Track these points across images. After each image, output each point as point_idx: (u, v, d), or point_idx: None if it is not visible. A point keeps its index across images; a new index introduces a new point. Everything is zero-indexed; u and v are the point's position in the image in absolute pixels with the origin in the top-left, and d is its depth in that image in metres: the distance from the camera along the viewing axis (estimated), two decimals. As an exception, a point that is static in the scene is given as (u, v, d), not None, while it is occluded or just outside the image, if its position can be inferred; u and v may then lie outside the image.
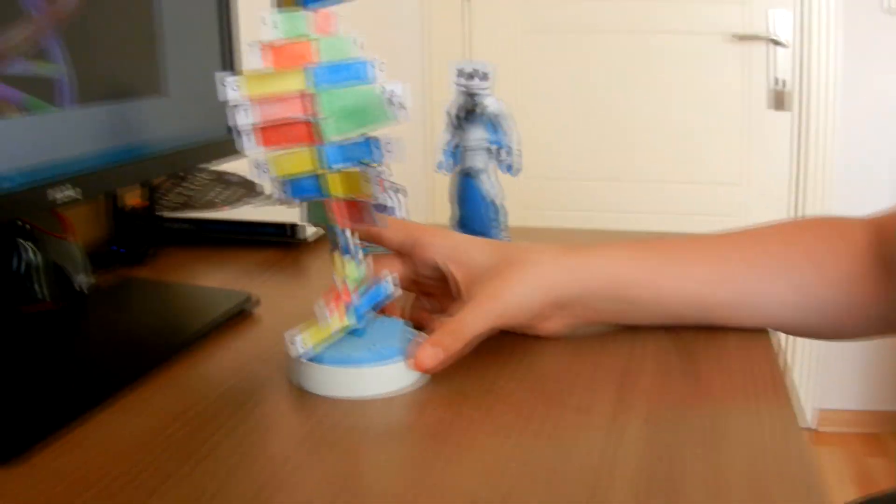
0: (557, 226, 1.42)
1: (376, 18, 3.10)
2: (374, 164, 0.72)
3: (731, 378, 0.76)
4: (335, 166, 0.72)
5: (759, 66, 3.11)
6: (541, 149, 3.16)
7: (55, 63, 0.82)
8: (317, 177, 0.73)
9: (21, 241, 0.99)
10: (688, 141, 3.17)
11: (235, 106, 0.70)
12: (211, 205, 1.35)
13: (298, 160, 0.72)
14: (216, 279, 1.13)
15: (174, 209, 1.33)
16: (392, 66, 0.72)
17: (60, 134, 0.84)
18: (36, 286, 0.99)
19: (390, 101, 0.72)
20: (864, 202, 3.05)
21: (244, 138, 0.71)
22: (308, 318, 0.77)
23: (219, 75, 0.70)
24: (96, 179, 0.88)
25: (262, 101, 0.71)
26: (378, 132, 0.73)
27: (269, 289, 1.06)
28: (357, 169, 0.71)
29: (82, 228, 1.24)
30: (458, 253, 0.83)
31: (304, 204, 0.76)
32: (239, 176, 1.47)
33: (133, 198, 1.33)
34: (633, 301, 0.83)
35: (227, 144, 1.09)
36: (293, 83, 0.70)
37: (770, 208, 3.18)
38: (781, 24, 3.04)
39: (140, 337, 0.88)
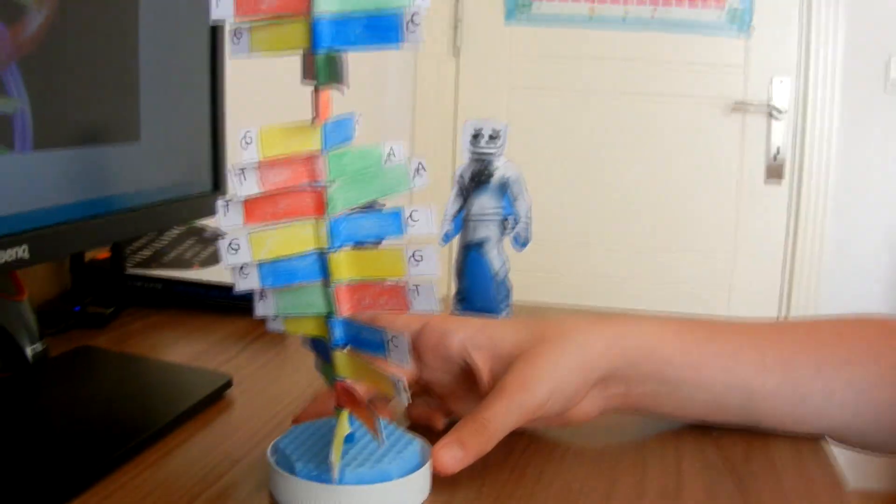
0: (550, 301, 1.31)
1: (365, 76, 3.02)
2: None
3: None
4: (343, 244, 0.59)
5: (758, 137, 3.07)
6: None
7: (11, 97, 0.70)
8: (317, 256, 0.59)
9: (-36, 299, 0.87)
10: (680, 208, 3.12)
11: (241, 171, 0.57)
12: (183, 262, 1.22)
13: (294, 237, 0.59)
14: (185, 351, 1.01)
15: (141, 265, 1.21)
16: (380, 125, 0.60)
17: (13, 182, 0.71)
18: (-23, 352, 0.87)
19: (417, 170, 0.60)
20: (856, 276, 3.08)
21: (231, 210, 0.58)
22: (282, 405, 0.64)
23: (241, 130, 0.57)
24: (54, 239, 0.75)
25: (268, 164, 0.58)
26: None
27: (244, 366, 0.94)
28: (374, 247, 0.59)
29: (35, 281, 1.12)
30: (480, 338, 0.72)
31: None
32: (215, 231, 1.35)
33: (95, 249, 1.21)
34: (674, 382, 0.73)
35: (207, 200, 0.98)
36: (306, 142, 0.58)
37: (761, 281, 3.14)
38: (781, 94, 2.98)
39: (86, 427, 0.74)
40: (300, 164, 0.58)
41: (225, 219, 0.58)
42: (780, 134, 3.04)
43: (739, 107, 3.04)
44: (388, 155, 0.61)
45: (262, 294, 0.60)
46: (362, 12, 0.56)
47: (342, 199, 0.59)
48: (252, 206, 0.58)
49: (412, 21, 0.57)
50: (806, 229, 3.07)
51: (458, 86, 3.19)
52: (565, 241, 3.20)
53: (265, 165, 0.57)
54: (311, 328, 0.62)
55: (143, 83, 0.87)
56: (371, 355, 0.60)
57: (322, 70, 0.56)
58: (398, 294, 0.60)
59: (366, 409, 0.61)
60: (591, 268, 3.21)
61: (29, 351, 0.90)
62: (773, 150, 3.05)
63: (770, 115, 3.03)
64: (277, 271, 0.59)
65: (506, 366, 0.70)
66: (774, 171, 3.06)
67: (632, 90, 3.09)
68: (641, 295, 3.15)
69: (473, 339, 0.72)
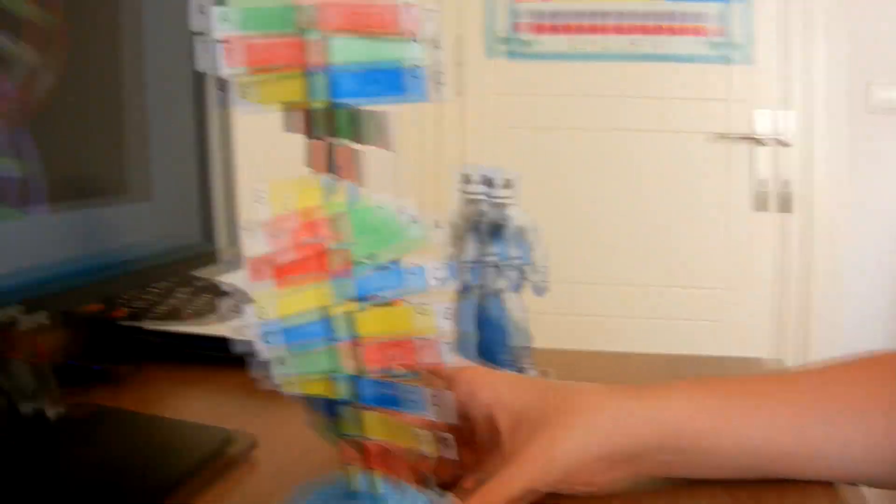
0: (564, 347, 1.31)
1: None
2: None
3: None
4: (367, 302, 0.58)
5: (742, 166, 3.08)
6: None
7: (19, 159, 0.70)
8: (329, 318, 0.58)
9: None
10: (670, 242, 3.11)
11: (257, 227, 0.56)
12: (197, 318, 1.22)
13: (318, 296, 0.58)
14: (203, 406, 1.00)
15: (159, 319, 1.20)
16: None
17: (20, 242, 0.71)
18: (-5, 415, 0.86)
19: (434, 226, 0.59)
20: (850, 302, 3.06)
21: (255, 270, 0.57)
22: (310, 464, 0.63)
23: (255, 188, 0.56)
24: (57, 298, 0.75)
25: (287, 222, 0.57)
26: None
27: (263, 423, 0.92)
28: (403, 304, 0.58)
29: (52, 339, 1.11)
30: (506, 397, 0.71)
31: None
32: (232, 286, 1.34)
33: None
34: (691, 452, 0.72)
35: (208, 255, 0.98)
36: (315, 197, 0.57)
37: (753, 313, 3.14)
38: (764, 124, 2.99)
39: (114, 489, 0.74)
40: (323, 223, 0.57)
41: (251, 279, 0.57)
42: (766, 164, 3.03)
43: (723, 137, 3.03)
44: (400, 212, 0.61)
45: (271, 355, 0.59)
46: (374, 64, 0.56)
47: (366, 257, 0.58)
48: (261, 265, 0.57)
49: (436, 80, 0.56)
50: (793, 259, 3.06)
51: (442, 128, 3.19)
52: (556, 280, 3.19)
53: (288, 225, 0.57)
54: (319, 388, 0.60)
55: (152, 140, 0.87)
56: (400, 413, 0.60)
57: (344, 126, 0.56)
58: (428, 348, 0.60)
59: (393, 463, 0.61)
60: (581, 305, 3.18)
61: (50, 412, 0.89)
62: (758, 180, 3.04)
63: (754, 145, 3.03)
64: (301, 332, 0.58)
65: (528, 431, 0.69)
66: (760, 202, 3.05)
67: (614, 125, 3.09)
68: (633, 333, 3.13)
69: (501, 398, 0.71)
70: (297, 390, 0.61)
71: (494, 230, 1.00)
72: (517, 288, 1.02)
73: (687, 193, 3.09)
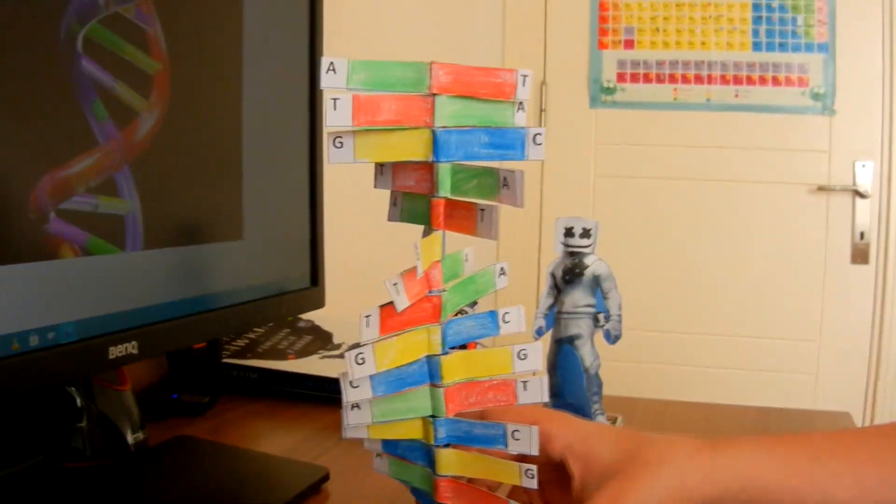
0: (643, 394, 1.31)
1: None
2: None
3: None
4: (452, 347, 0.61)
5: (843, 219, 3.02)
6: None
7: (123, 199, 0.73)
8: (427, 363, 0.61)
9: (69, 388, 0.89)
10: (764, 293, 3.07)
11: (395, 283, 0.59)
12: (278, 353, 1.24)
13: (412, 345, 0.60)
14: (281, 442, 1.01)
15: (237, 354, 1.23)
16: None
17: (125, 281, 0.74)
18: (80, 440, 0.89)
19: (500, 273, 0.62)
20: None
21: (370, 324, 0.59)
22: (385, 499, 0.65)
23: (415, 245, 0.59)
24: (162, 335, 0.78)
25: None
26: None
27: (339, 458, 0.94)
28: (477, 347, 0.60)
29: (134, 368, 1.14)
30: (579, 448, 0.71)
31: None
32: (310, 322, 1.37)
33: (193, 338, 1.23)
34: None
35: (307, 295, 1.00)
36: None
37: (846, 367, 3.05)
38: (865, 176, 2.95)
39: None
40: (440, 276, 0.60)
41: (366, 331, 0.59)
42: (865, 216, 2.99)
43: (823, 189, 3.00)
44: (465, 258, 0.64)
45: (357, 404, 0.61)
46: (482, 127, 0.59)
47: (451, 304, 0.61)
48: (386, 318, 0.59)
49: (534, 140, 0.59)
50: (893, 311, 3.00)
51: (543, 173, 3.20)
52: (649, 328, 3.16)
53: (417, 281, 0.59)
54: (401, 433, 0.63)
55: (245, 181, 0.90)
56: (483, 449, 0.62)
57: (442, 181, 0.58)
58: (506, 389, 0.63)
59: (479, 499, 0.63)
60: (674, 355, 3.16)
61: (130, 439, 0.92)
62: (859, 232, 3.00)
63: (854, 197, 2.99)
64: (389, 380, 0.60)
65: (598, 480, 0.69)
66: (860, 254, 3.01)
67: (714, 176, 3.08)
68: (727, 384, 3.10)
69: (573, 447, 0.71)
70: (384, 436, 0.63)
71: (571, 278, 1.01)
72: (592, 335, 1.03)
73: (784, 243, 3.05)
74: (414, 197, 0.62)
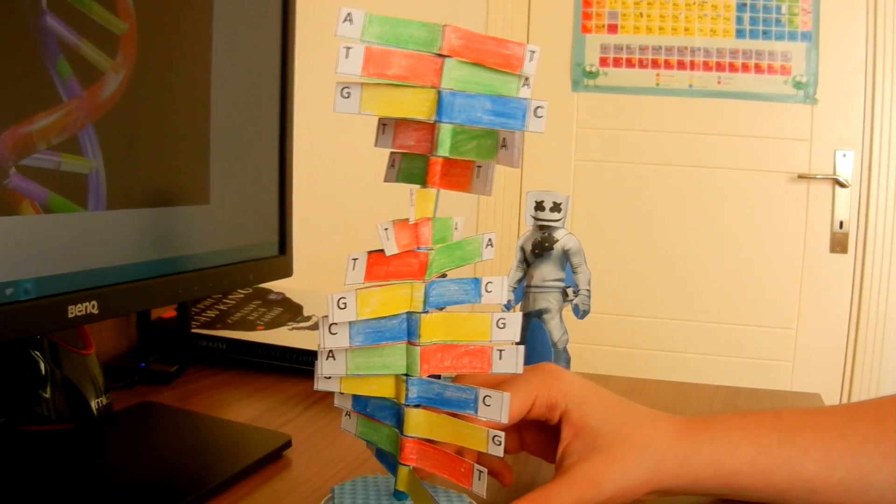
0: (605, 371, 1.31)
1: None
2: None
3: None
4: (433, 307, 0.61)
5: (822, 208, 3.04)
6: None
7: (87, 158, 0.72)
8: (407, 319, 0.61)
9: (33, 352, 0.89)
10: (743, 280, 3.09)
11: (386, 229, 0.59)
12: (247, 324, 1.24)
13: (394, 298, 0.61)
14: (247, 411, 1.01)
15: (206, 325, 1.23)
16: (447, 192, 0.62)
17: (86, 240, 0.73)
18: (43, 404, 0.89)
19: (487, 244, 0.63)
20: None
21: (357, 267, 0.59)
22: (346, 468, 0.65)
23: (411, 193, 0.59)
24: (123, 296, 0.77)
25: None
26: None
27: (303, 427, 0.94)
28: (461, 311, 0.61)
29: (103, 336, 1.14)
30: (575, 413, 0.73)
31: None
32: (280, 294, 1.37)
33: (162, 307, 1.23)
34: (739, 486, 0.75)
35: (274, 263, 1.00)
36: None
37: (823, 354, 3.08)
38: (845, 165, 2.96)
39: (147, 480, 0.76)
40: (414, 228, 0.60)
41: (351, 274, 0.59)
42: (845, 205, 3.01)
43: (804, 178, 3.01)
44: (455, 226, 0.64)
45: (331, 353, 0.61)
46: (486, 94, 0.59)
47: (437, 264, 0.61)
48: (372, 265, 0.59)
49: (535, 113, 0.60)
50: (872, 299, 3.02)
51: (523, 155, 3.20)
52: (626, 313, 3.17)
53: (407, 232, 0.60)
54: (373, 389, 0.63)
55: (213, 146, 0.90)
56: (453, 413, 0.62)
57: (443, 141, 0.59)
58: (482, 356, 0.63)
59: (445, 462, 0.63)
60: (651, 340, 3.18)
61: (94, 404, 0.92)
62: (838, 222, 3.02)
63: (834, 186, 3.00)
64: (367, 331, 0.60)
65: (584, 447, 0.72)
66: (839, 243, 3.03)
67: (695, 162, 3.09)
68: (703, 368, 3.12)
69: (570, 413, 0.73)
70: (355, 391, 0.63)
71: (540, 252, 1.01)
72: (560, 309, 1.03)
73: (764, 230, 3.07)
74: (412, 157, 0.62)
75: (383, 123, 0.61)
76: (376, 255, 0.59)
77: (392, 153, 0.63)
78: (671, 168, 3.11)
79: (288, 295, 1.37)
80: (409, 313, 0.61)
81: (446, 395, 0.62)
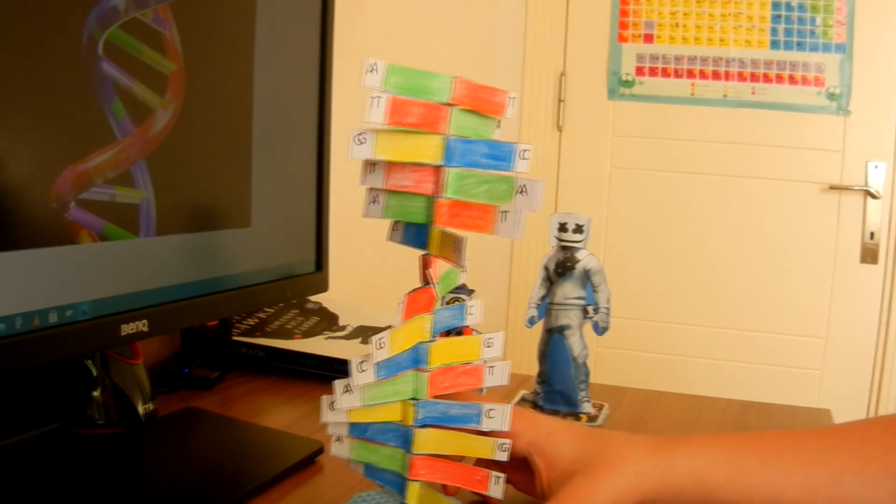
0: (635, 384, 1.35)
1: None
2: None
3: None
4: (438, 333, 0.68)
5: (853, 218, 3.05)
6: (623, 287, 3.11)
7: (139, 189, 0.79)
8: (416, 348, 0.68)
9: (86, 361, 0.96)
10: (774, 289, 3.11)
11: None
12: (285, 333, 1.30)
13: (413, 332, 0.67)
14: (283, 417, 1.08)
15: (246, 333, 1.29)
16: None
17: (137, 264, 0.80)
18: (94, 409, 0.96)
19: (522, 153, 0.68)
20: None
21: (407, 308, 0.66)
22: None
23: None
24: (171, 315, 0.84)
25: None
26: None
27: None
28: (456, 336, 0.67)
29: (149, 344, 1.21)
30: (544, 444, 0.76)
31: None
32: (317, 304, 1.43)
33: (206, 316, 1.30)
34: (721, 502, 0.75)
35: (311, 279, 1.06)
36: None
37: (852, 365, 3.09)
38: (877, 177, 2.98)
39: (188, 483, 0.82)
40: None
41: (397, 317, 0.65)
42: (876, 216, 3.02)
43: (835, 188, 3.03)
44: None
45: (349, 387, 0.66)
46: (482, 141, 0.65)
47: (439, 294, 0.67)
48: (409, 304, 0.66)
49: (521, 156, 0.66)
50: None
51: (559, 163, 3.24)
52: (658, 319, 3.20)
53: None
54: (380, 415, 0.69)
55: (254, 172, 0.96)
56: (459, 428, 0.69)
57: (451, 184, 0.65)
58: (475, 374, 0.70)
59: (463, 471, 0.69)
60: (683, 346, 3.20)
61: (141, 409, 0.98)
62: (869, 232, 3.03)
63: (866, 197, 3.02)
64: (389, 365, 0.66)
65: (562, 476, 0.74)
66: (869, 254, 3.04)
67: (728, 172, 3.11)
68: (734, 375, 3.15)
69: (538, 443, 0.76)
70: (364, 419, 0.68)
71: (563, 271, 1.06)
72: (581, 326, 1.08)
73: (795, 240, 3.08)
74: (404, 196, 0.67)
75: (372, 163, 0.66)
76: (416, 294, 0.66)
77: (372, 190, 0.67)
78: (705, 177, 3.13)
79: (325, 305, 1.43)
80: (420, 342, 0.67)
81: (451, 412, 0.69)
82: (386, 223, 0.70)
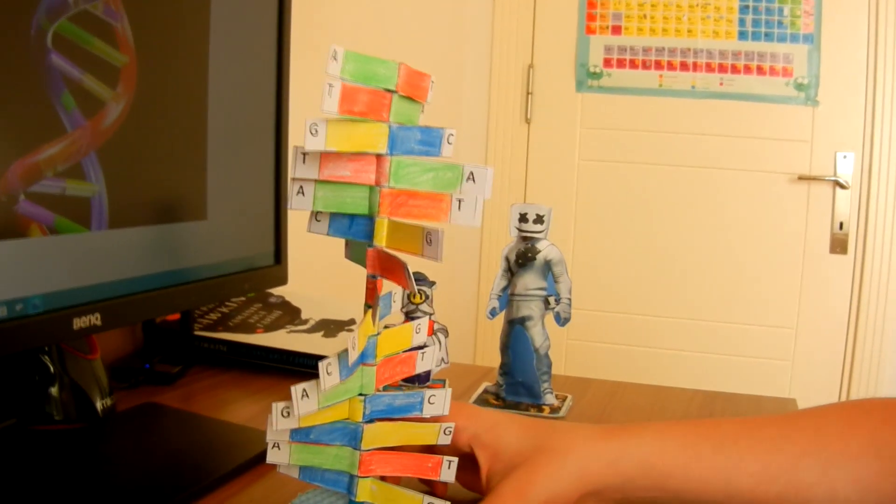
0: (604, 376, 1.35)
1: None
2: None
3: None
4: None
5: (823, 209, 3.07)
6: (592, 279, 3.12)
7: (90, 182, 0.78)
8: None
9: (42, 356, 0.95)
10: (743, 280, 3.13)
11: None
12: (248, 327, 1.30)
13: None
14: (245, 411, 1.07)
15: (208, 327, 1.29)
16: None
17: (90, 258, 0.79)
18: (51, 405, 0.95)
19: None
20: None
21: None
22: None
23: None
24: (125, 308, 0.83)
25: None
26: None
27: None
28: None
29: (109, 339, 1.20)
30: (486, 438, 0.76)
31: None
32: (280, 297, 1.42)
33: (168, 311, 1.29)
34: (675, 491, 0.74)
35: (270, 272, 1.05)
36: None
37: (822, 356, 3.12)
38: (846, 167, 3.00)
39: (145, 477, 0.82)
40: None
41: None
42: (845, 206, 3.04)
43: (804, 179, 3.05)
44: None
45: (305, 393, 0.66)
46: (416, 127, 0.64)
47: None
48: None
49: (447, 140, 0.65)
50: (871, 299, 3.05)
51: (528, 155, 3.25)
52: (628, 311, 3.21)
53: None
54: (327, 416, 0.68)
55: (210, 164, 0.96)
56: (403, 418, 0.69)
57: (394, 173, 0.64)
58: (410, 361, 0.70)
59: (414, 460, 0.69)
60: (653, 338, 3.22)
61: (99, 405, 0.98)
62: (838, 223, 3.05)
63: (835, 187, 3.03)
64: (342, 363, 0.65)
65: (505, 468, 0.73)
66: (839, 244, 3.06)
67: (697, 163, 3.12)
68: (704, 366, 3.16)
69: (480, 437, 0.76)
70: (313, 422, 0.68)
71: (524, 262, 1.06)
72: (542, 317, 1.08)
73: (764, 231, 3.09)
74: (339, 186, 0.65)
75: (303, 153, 0.64)
76: None
77: (295, 180, 0.65)
78: (673, 168, 3.14)
79: (287, 298, 1.43)
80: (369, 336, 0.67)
81: (396, 403, 0.68)
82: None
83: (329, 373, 0.63)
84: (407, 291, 0.67)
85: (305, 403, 0.65)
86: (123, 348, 1.26)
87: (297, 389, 0.64)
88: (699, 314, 3.18)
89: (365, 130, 0.63)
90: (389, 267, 0.65)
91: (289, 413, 0.65)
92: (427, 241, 0.63)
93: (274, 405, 0.65)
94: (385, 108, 0.63)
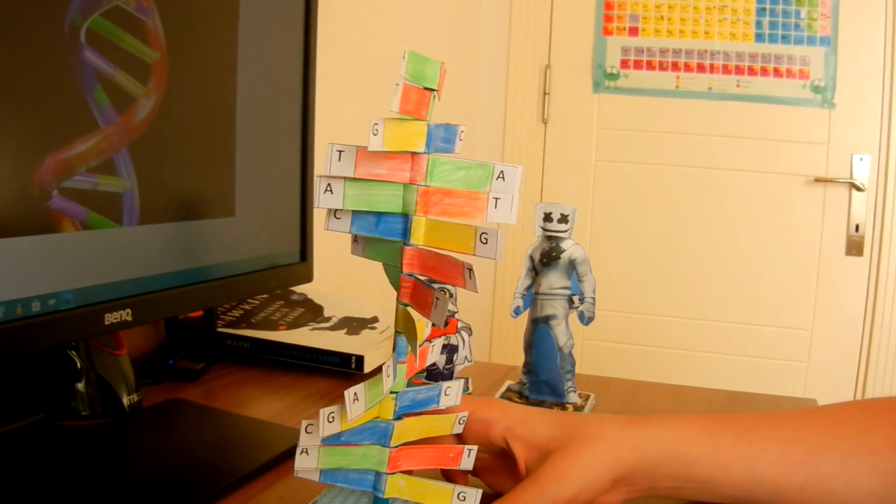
0: (621, 377, 1.36)
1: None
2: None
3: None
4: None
5: (839, 211, 3.07)
6: (609, 280, 3.12)
7: (121, 178, 0.79)
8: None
9: (70, 352, 0.96)
10: (759, 281, 3.12)
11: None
12: (270, 324, 1.30)
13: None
14: (268, 408, 1.07)
15: (231, 324, 1.29)
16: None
17: (121, 254, 0.80)
18: (78, 400, 0.95)
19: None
20: None
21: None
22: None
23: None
24: (154, 304, 0.84)
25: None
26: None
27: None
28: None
29: (134, 335, 1.20)
30: (519, 429, 0.77)
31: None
32: (302, 295, 1.43)
33: (191, 308, 1.30)
34: (701, 479, 0.76)
35: (295, 270, 1.06)
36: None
37: (837, 357, 3.11)
38: (862, 169, 3.00)
39: (171, 474, 0.82)
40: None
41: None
42: (861, 208, 3.04)
43: (820, 181, 3.04)
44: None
45: (356, 396, 0.66)
46: (440, 125, 0.65)
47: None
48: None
49: (460, 137, 0.65)
50: (887, 301, 3.05)
51: (544, 155, 3.25)
52: (644, 311, 3.21)
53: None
54: (363, 417, 0.68)
55: (238, 161, 0.96)
56: (425, 412, 0.70)
57: (431, 171, 0.65)
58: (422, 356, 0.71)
59: (436, 451, 0.70)
60: (669, 339, 3.21)
61: (125, 400, 0.98)
62: (854, 225, 3.05)
63: (851, 190, 3.03)
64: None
65: (540, 456, 0.74)
66: (854, 246, 3.06)
67: (713, 164, 3.12)
68: (720, 367, 3.16)
69: (514, 429, 0.77)
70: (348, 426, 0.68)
71: (548, 261, 1.06)
72: (566, 316, 1.08)
73: (780, 232, 3.09)
74: (371, 184, 0.65)
75: (339, 150, 0.64)
76: None
77: (322, 177, 0.64)
78: (689, 169, 3.14)
79: (310, 296, 1.43)
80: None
81: (419, 398, 0.69)
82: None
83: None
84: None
85: (356, 406, 0.65)
86: (147, 345, 1.27)
87: (349, 393, 0.64)
88: (714, 315, 3.18)
89: (410, 129, 0.63)
90: (436, 266, 0.65)
91: (334, 418, 0.65)
92: (482, 240, 0.64)
93: (322, 411, 0.65)
94: (426, 106, 0.63)
